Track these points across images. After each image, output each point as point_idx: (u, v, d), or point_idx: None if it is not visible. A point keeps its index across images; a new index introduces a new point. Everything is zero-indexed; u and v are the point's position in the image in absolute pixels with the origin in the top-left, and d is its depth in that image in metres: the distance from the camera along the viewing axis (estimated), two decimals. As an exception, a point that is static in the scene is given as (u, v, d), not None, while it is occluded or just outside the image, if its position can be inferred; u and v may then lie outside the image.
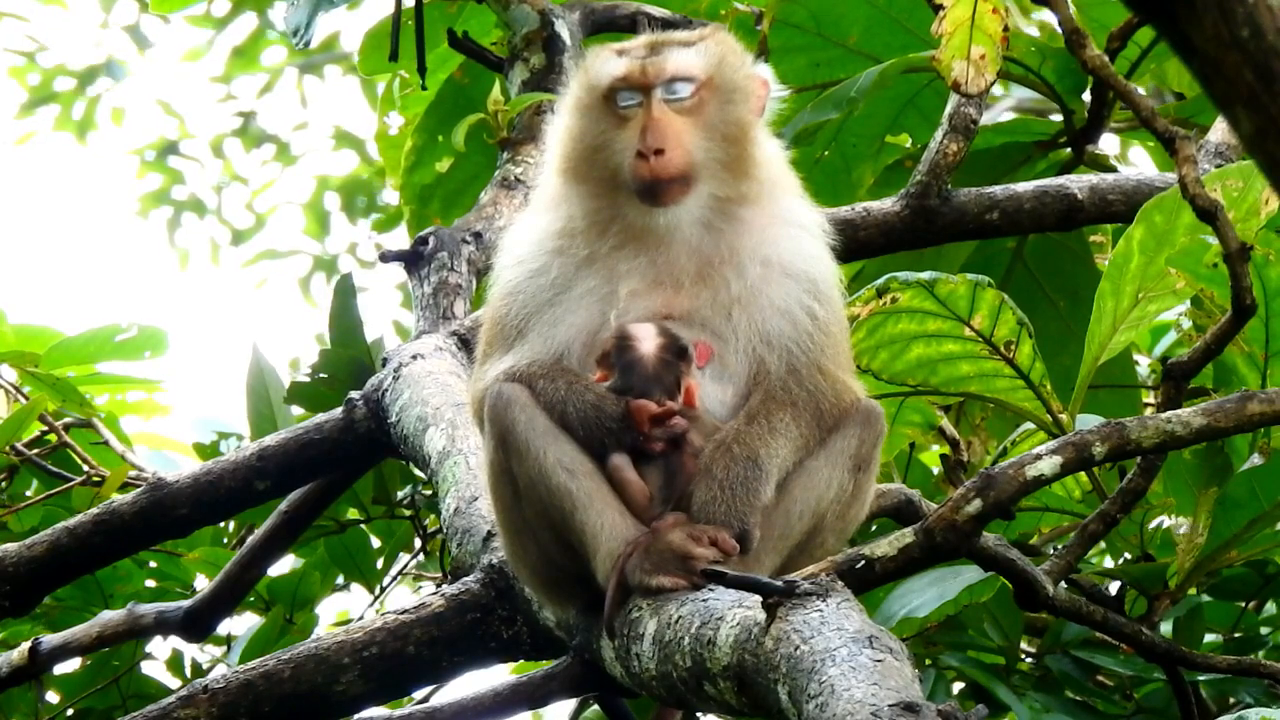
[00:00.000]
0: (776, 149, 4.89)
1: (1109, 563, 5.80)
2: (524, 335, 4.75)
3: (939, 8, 5.44)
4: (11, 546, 6.14)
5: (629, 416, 4.60)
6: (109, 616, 6.47)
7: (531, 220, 4.91)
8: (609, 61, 4.79)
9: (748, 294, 4.73)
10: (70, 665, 6.79)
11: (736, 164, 4.75)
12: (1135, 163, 9.75)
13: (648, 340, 4.65)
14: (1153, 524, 5.39)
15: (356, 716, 5.34)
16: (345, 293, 6.72)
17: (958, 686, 5.77)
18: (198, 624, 6.46)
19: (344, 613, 7.51)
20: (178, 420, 7.73)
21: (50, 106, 16.89)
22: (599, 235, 4.77)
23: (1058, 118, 6.62)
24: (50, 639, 6.41)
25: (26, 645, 6.38)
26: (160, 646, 6.87)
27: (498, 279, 4.89)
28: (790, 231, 4.81)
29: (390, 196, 17.46)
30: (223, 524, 6.85)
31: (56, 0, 16.85)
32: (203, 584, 6.68)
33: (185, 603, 6.47)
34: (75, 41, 17.60)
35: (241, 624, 6.87)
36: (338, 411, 6.01)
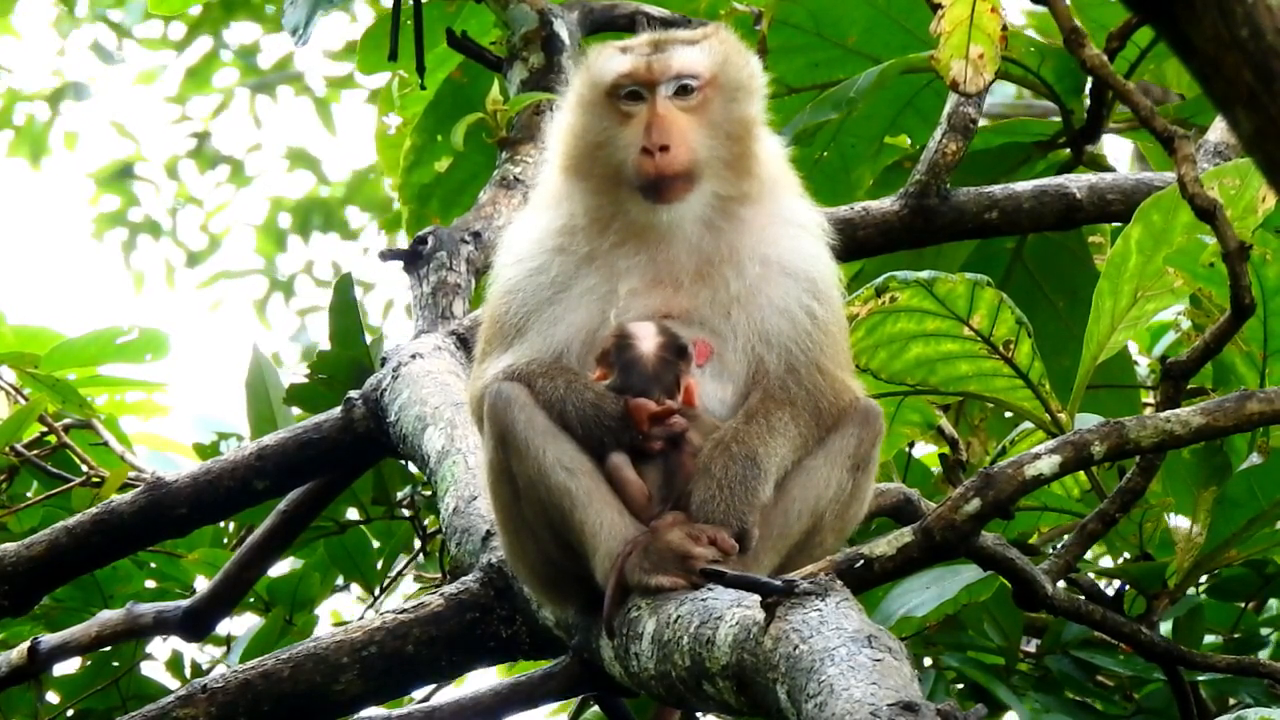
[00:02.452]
0: (777, 147, 4.89)
1: (1108, 562, 5.80)
2: (523, 334, 4.75)
3: (937, 7, 5.44)
4: (10, 546, 6.14)
5: (628, 415, 4.60)
6: (108, 616, 6.47)
7: (532, 218, 4.91)
8: (613, 58, 4.78)
9: (747, 293, 4.73)
10: (70, 666, 6.79)
11: (739, 162, 4.75)
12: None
13: (647, 339, 4.65)
14: (1152, 523, 5.39)
15: (355, 716, 5.34)
16: (345, 293, 6.71)
17: (958, 687, 5.77)
18: (196, 624, 6.46)
19: (336, 614, 7.50)
20: (178, 420, 7.73)
21: (3, 133, 16.88)
22: (599, 233, 4.77)
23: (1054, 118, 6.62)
24: (49, 638, 6.41)
25: (25, 645, 6.38)
26: (160, 647, 6.88)
27: (497, 277, 4.89)
28: (790, 231, 4.81)
29: (351, 213, 17.51)
30: (223, 524, 6.85)
31: (9, 30, 16.85)
32: (203, 585, 6.67)
33: (184, 602, 6.47)
34: (33, 68, 17.59)
35: (242, 625, 6.87)
36: (336, 411, 6.01)
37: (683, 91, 4.74)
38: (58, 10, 16.92)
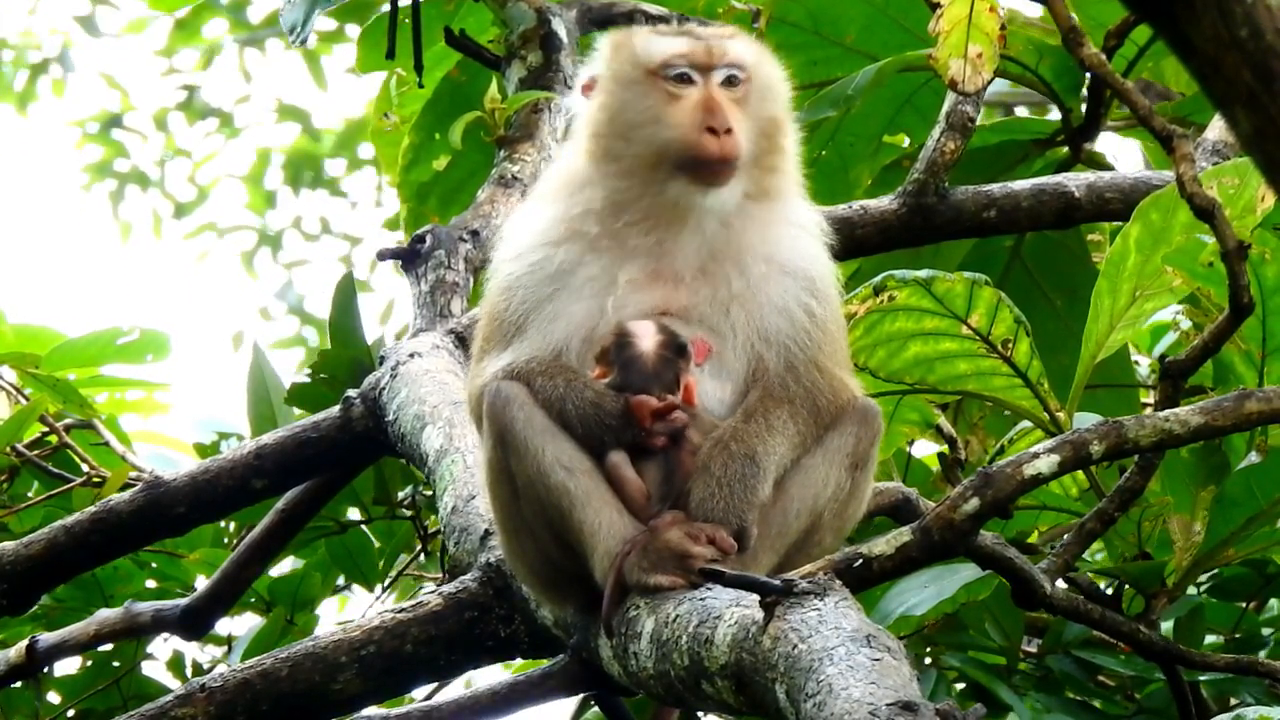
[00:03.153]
0: (795, 148, 4.89)
1: (1106, 560, 5.79)
2: (522, 331, 4.74)
3: (936, 6, 5.44)
4: (8, 545, 6.13)
5: (630, 413, 4.60)
6: (106, 615, 6.47)
7: (537, 209, 4.87)
8: (663, 39, 4.76)
9: (747, 291, 4.72)
10: (71, 666, 6.80)
11: (766, 159, 4.77)
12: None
13: (647, 337, 4.65)
14: (1150, 523, 5.39)
15: (354, 715, 5.33)
16: (345, 292, 6.71)
17: (958, 687, 5.77)
18: (195, 622, 6.46)
19: (344, 600, 7.50)
20: (179, 420, 7.74)
21: None
22: (613, 215, 4.72)
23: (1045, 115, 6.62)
24: (48, 637, 6.41)
25: (24, 643, 6.38)
26: (161, 647, 6.88)
27: (496, 272, 4.86)
28: (791, 230, 4.81)
29: (335, 167, 17.45)
30: (223, 524, 6.85)
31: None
32: (203, 585, 6.67)
33: (182, 601, 6.47)
34: (18, 20, 17.54)
35: (242, 625, 6.87)
36: (335, 410, 6.01)
37: (730, 82, 4.74)
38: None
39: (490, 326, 4.82)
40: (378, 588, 6.80)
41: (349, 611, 7.56)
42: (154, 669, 6.88)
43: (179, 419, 7.72)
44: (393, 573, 6.84)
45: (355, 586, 6.88)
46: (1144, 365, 6.68)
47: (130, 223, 17.19)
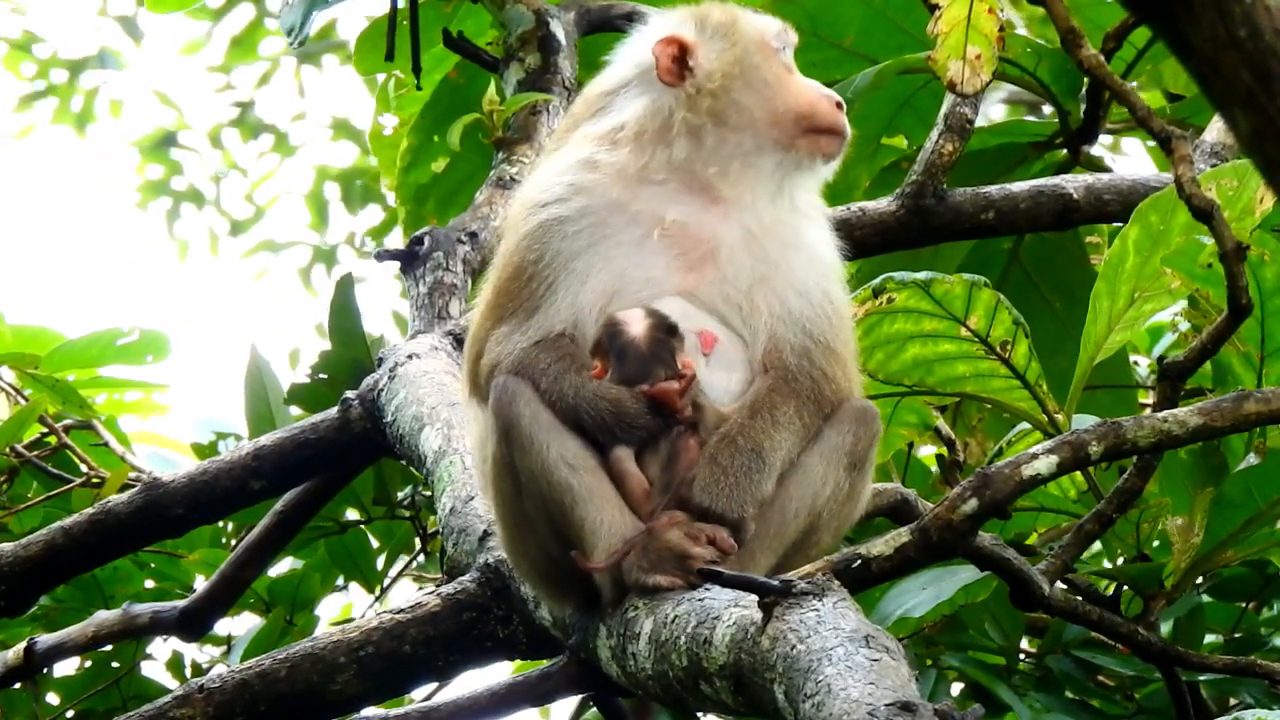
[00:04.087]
0: None
1: (1105, 563, 5.80)
2: (552, 291, 4.71)
3: (935, 8, 5.44)
4: (6, 546, 6.13)
5: (657, 404, 4.61)
6: (104, 616, 6.47)
7: (592, 154, 4.82)
8: (763, 16, 4.93)
9: (775, 272, 4.75)
10: (71, 667, 6.79)
11: None
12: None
13: (636, 323, 4.66)
14: (1149, 524, 5.39)
15: (353, 716, 5.33)
16: (345, 293, 6.72)
17: (958, 687, 5.77)
18: (193, 623, 6.46)
19: (347, 607, 7.50)
20: (178, 421, 7.74)
21: (48, 100, 16.86)
22: (701, 164, 4.76)
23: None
24: (46, 638, 6.41)
25: (22, 645, 6.38)
26: (161, 648, 6.88)
27: (519, 220, 4.81)
28: (814, 221, 4.87)
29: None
30: (222, 525, 6.85)
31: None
32: (201, 586, 6.68)
33: (180, 602, 6.47)
34: (71, 31, 17.57)
35: (242, 625, 6.87)
36: (333, 411, 6.01)
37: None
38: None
39: (511, 280, 4.76)
40: (377, 588, 6.80)
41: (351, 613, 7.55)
42: (154, 670, 6.88)
43: (179, 420, 7.73)
44: (392, 572, 6.84)
45: (353, 586, 6.88)
46: (1144, 367, 6.69)
47: (187, 241, 17.21)
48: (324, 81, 19.67)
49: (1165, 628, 5.43)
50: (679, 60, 4.82)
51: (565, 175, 4.81)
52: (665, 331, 4.65)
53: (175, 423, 7.75)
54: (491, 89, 6.84)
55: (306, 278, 17.20)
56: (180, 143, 17.24)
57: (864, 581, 4.48)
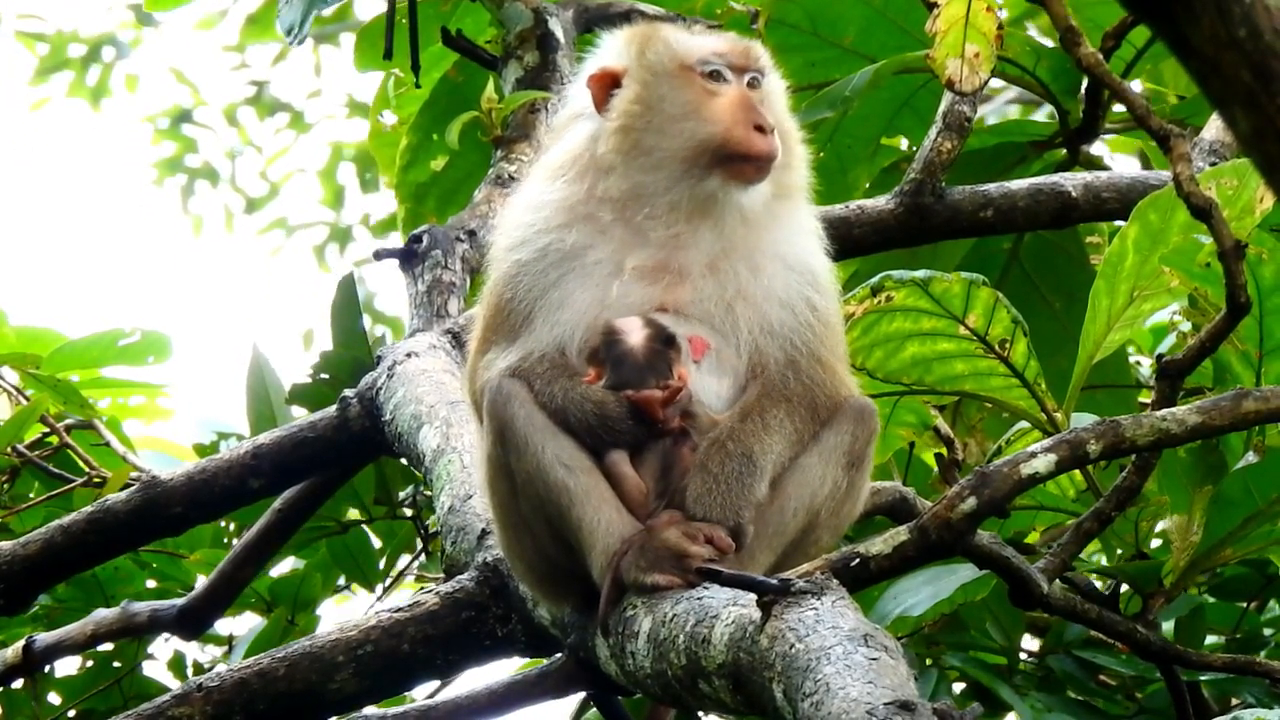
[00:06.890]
0: (804, 150, 4.91)
1: (1104, 561, 5.80)
2: (530, 321, 4.72)
3: (933, 6, 5.44)
4: (5, 545, 6.13)
5: (638, 411, 4.60)
6: (103, 614, 6.47)
7: (542, 195, 4.82)
8: (701, 36, 4.80)
9: (753, 287, 4.73)
10: (71, 666, 6.79)
11: (786, 159, 4.79)
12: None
13: (634, 332, 4.65)
14: (1147, 522, 5.39)
15: (351, 715, 5.33)
16: (346, 292, 6.71)
17: (959, 686, 5.77)
18: (192, 622, 6.46)
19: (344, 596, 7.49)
20: (180, 421, 7.74)
21: (64, 73, 16.84)
22: (633, 207, 4.72)
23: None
24: (44, 637, 6.41)
25: (21, 643, 6.38)
26: (162, 647, 6.88)
27: (498, 260, 4.83)
28: (795, 228, 4.83)
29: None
30: (224, 525, 6.85)
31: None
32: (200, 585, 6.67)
33: (179, 601, 6.47)
34: (84, 10, 17.53)
35: (243, 625, 6.87)
36: (332, 410, 6.01)
37: (753, 84, 4.77)
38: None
39: (494, 315, 4.79)
40: (379, 588, 6.80)
41: (350, 613, 7.55)
42: (155, 669, 6.88)
43: (182, 421, 7.73)
44: (393, 572, 6.83)
45: (354, 587, 6.88)
46: (1145, 366, 6.68)
47: (201, 217, 17.18)
48: (341, 59, 19.69)
49: (1167, 627, 5.43)
50: (610, 91, 4.79)
51: (525, 215, 4.82)
52: (663, 342, 4.65)
53: (179, 425, 7.75)
54: (490, 87, 6.84)
55: (321, 255, 17.20)
56: (195, 120, 17.23)
57: (862, 580, 4.48)
